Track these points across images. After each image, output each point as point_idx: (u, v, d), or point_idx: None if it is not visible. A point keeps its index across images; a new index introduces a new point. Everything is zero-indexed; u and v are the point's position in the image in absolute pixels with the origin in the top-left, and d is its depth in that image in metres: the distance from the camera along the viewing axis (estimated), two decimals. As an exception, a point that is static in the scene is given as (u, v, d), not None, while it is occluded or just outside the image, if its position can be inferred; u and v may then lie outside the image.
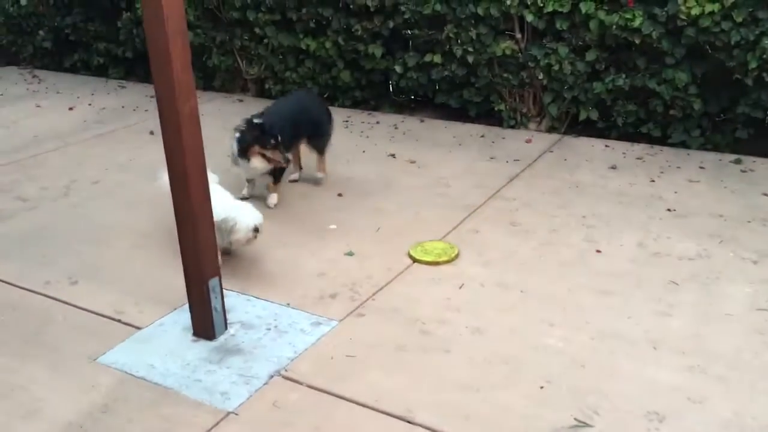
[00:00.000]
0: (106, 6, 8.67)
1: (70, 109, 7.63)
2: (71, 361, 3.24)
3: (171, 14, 2.71)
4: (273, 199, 4.91)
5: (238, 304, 3.66)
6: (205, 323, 3.32)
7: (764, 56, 5.18)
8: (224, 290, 3.41)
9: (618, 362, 3.12)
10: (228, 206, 3.93)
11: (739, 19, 5.19)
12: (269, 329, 3.44)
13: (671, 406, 2.82)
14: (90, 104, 7.81)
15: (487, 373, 3.06)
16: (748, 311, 3.47)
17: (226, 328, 3.41)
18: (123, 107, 7.66)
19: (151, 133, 6.49)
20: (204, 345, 3.32)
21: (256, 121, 4.65)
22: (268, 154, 4.59)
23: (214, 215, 3.27)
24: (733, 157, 5.59)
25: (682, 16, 5.33)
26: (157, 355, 3.25)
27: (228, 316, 3.46)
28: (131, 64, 8.91)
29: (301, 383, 3.03)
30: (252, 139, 4.58)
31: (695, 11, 5.27)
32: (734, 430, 2.69)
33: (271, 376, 3.08)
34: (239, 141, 4.64)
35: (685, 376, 3.01)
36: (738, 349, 3.17)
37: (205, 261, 3.20)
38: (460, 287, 3.78)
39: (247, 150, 4.59)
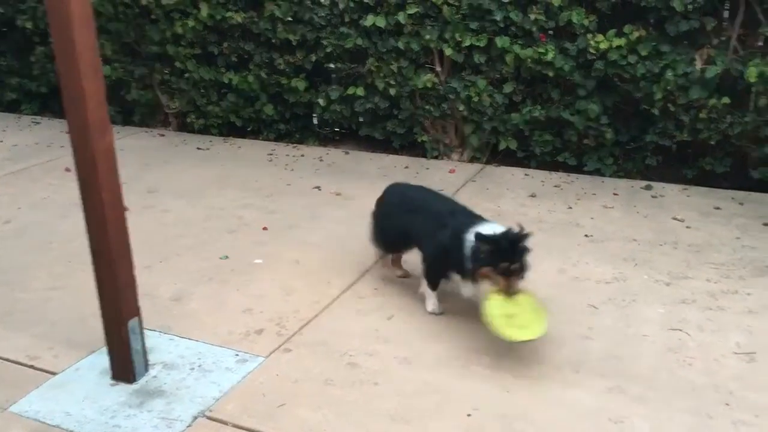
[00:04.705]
0: (18, 40, 8.40)
1: (-21, 146, 7.31)
2: (-21, 412, 3.06)
3: (83, 49, 2.65)
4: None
5: (160, 344, 3.55)
6: (125, 366, 3.20)
7: (668, 88, 5.48)
8: (145, 330, 3.30)
9: (542, 387, 3.17)
10: None
11: (644, 53, 5.49)
12: (193, 369, 3.34)
13: (593, 428, 2.89)
14: (1, 141, 7.50)
15: (416, 404, 3.06)
16: (662, 331, 3.61)
17: (147, 369, 3.30)
18: (37, 144, 7.39)
19: (67, 169, 6.27)
20: (123, 388, 3.19)
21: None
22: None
23: None
24: (644, 183, 5.87)
25: (592, 51, 5.60)
26: (73, 402, 3.10)
27: (149, 357, 3.35)
28: (46, 99, 8.63)
29: (227, 423, 2.95)
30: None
31: (603, 46, 5.54)
32: (653, 447, 2.78)
33: (195, 418, 2.98)
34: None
35: (606, 397, 3.09)
36: (654, 368, 3.29)
37: (123, 301, 3.10)
38: (389, 318, 3.78)
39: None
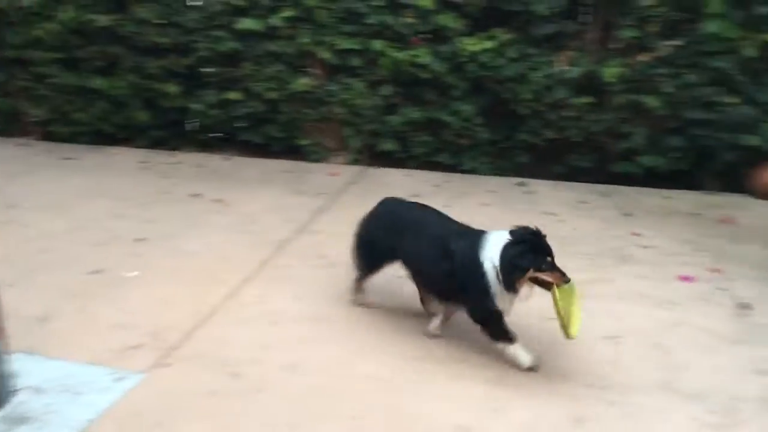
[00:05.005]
0: None
1: None
2: None
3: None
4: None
5: (27, 366, 3.30)
6: (-13, 393, 2.97)
7: (534, 88, 5.74)
8: (9, 352, 3.07)
9: (427, 382, 3.23)
10: None
11: (512, 55, 5.73)
12: (64, 391, 3.14)
13: (478, 418, 2.97)
14: None
15: (302, 410, 3.02)
16: (540, 321, 3.74)
17: (13, 395, 3.07)
18: None
19: None
20: (-14, 417, 2.96)
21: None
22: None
23: None
24: (517, 180, 6.12)
25: (463, 53, 5.78)
26: (-73, 437, 2.85)
27: (15, 381, 3.12)
28: None
29: (103, 446, 2.80)
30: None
31: (474, 48, 5.74)
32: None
33: (68, 443, 2.82)
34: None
35: (489, 387, 3.19)
36: (535, 358, 3.42)
37: (-18, 323, 2.87)
38: (272, 325, 3.73)
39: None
